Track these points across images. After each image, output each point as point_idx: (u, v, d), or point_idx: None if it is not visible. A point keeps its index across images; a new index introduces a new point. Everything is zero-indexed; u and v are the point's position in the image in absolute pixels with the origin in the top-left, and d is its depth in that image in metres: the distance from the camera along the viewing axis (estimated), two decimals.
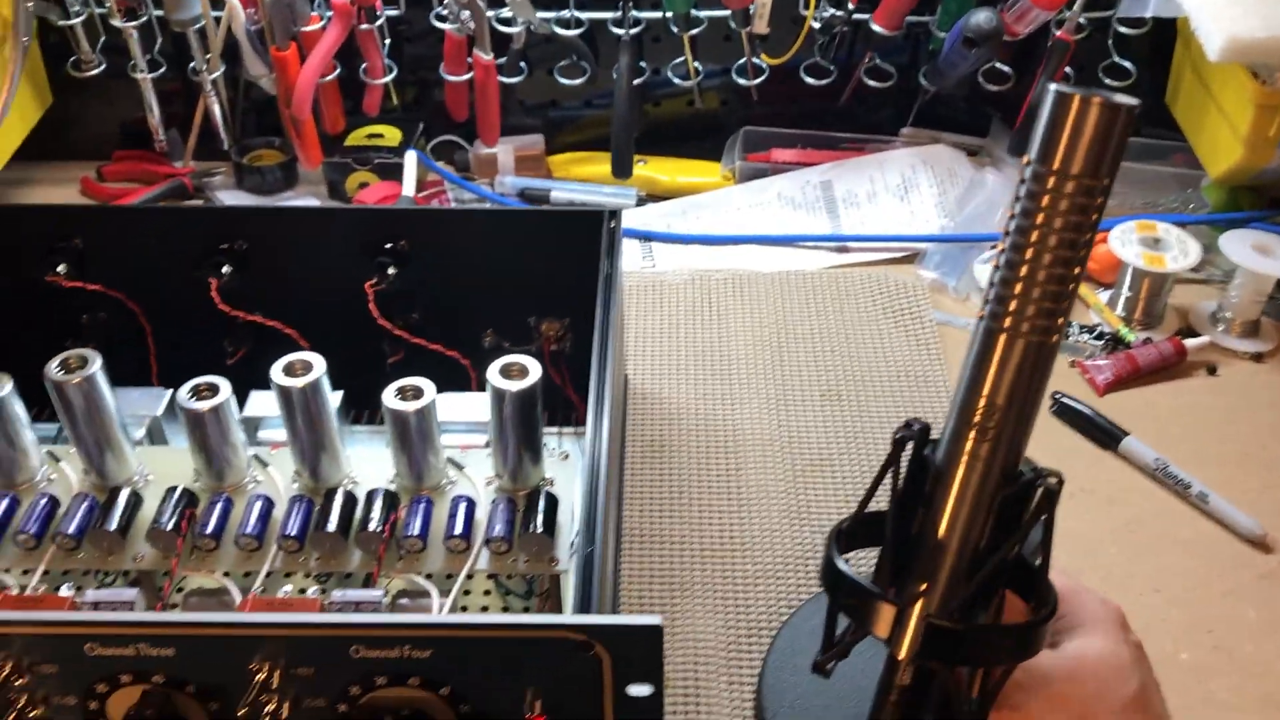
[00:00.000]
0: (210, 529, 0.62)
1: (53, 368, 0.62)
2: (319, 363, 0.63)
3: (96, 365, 0.63)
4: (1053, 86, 0.41)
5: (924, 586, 0.49)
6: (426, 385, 0.64)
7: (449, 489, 0.66)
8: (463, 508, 0.64)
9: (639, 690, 0.51)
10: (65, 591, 0.59)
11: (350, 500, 0.64)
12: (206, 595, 0.64)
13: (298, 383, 0.62)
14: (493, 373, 0.63)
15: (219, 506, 0.64)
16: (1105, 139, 0.41)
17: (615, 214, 0.75)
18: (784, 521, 0.75)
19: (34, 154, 1.04)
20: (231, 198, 1.06)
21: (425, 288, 0.77)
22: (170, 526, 0.62)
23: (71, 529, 0.62)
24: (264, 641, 0.49)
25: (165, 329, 0.78)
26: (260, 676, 0.49)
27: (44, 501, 0.64)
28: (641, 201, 1.07)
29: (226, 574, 0.63)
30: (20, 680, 0.50)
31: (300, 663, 0.50)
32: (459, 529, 0.63)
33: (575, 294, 0.76)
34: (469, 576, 0.63)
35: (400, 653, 0.49)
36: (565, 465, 0.67)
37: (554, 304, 0.78)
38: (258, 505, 0.64)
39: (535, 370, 0.63)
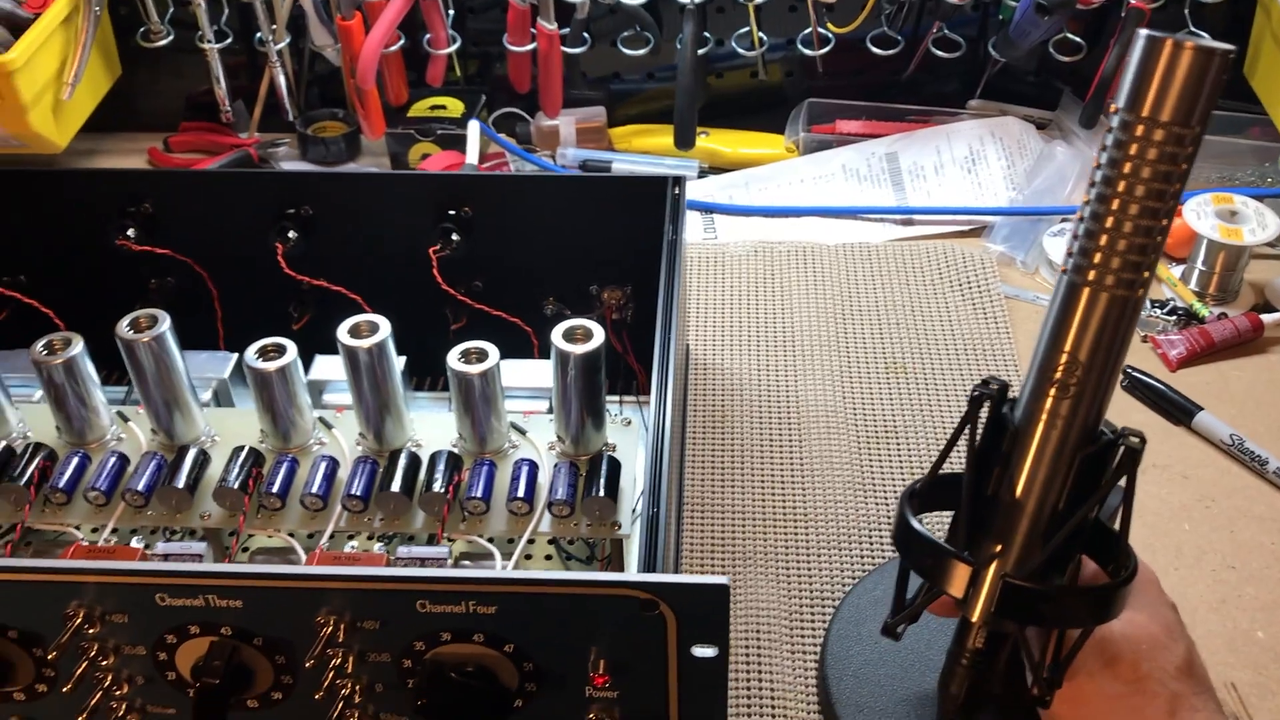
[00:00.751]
0: (276, 488, 0.63)
1: (123, 327, 0.63)
2: (385, 325, 0.63)
3: (165, 325, 0.63)
4: (1143, 32, 0.40)
5: (999, 547, 0.48)
6: (490, 349, 0.63)
7: (511, 453, 0.66)
8: (525, 470, 0.64)
9: (704, 651, 0.50)
10: (136, 544, 0.59)
11: (414, 462, 0.64)
12: (272, 554, 0.65)
13: (364, 344, 0.62)
14: (557, 336, 0.62)
15: (285, 466, 0.64)
16: (1197, 85, 0.39)
17: (679, 180, 0.74)
18: (848, 493, 0.74)
19: (102, 125, 1.06)
20: (295, 168, 1.07)
21: (488, 255, 0.77)
22: (237, 485, 0.63)
23: (140, 486, 0.63)
24: (331, 594, 0.49)
25: (231, 293, 0.79)
26: (326, 630, 0.50)
27: (114, 460, 0.65)
28: (703, 173, 1.06)
29: (291, 534, 0.64)
30: (92, 629, 0.51)
31: (366, 616, 0.50)
32: (522, 491, 0.63)
33: (637, 262, 0.76)
34: (530, 540, 0.62)
35: (465, 608, 0.49)
36: (627, 431, 0.67)
37: (616, 272, 0.77)
38: (323, 465, 0.64)
39: (599, 334, 0.62)
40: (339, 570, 0.49)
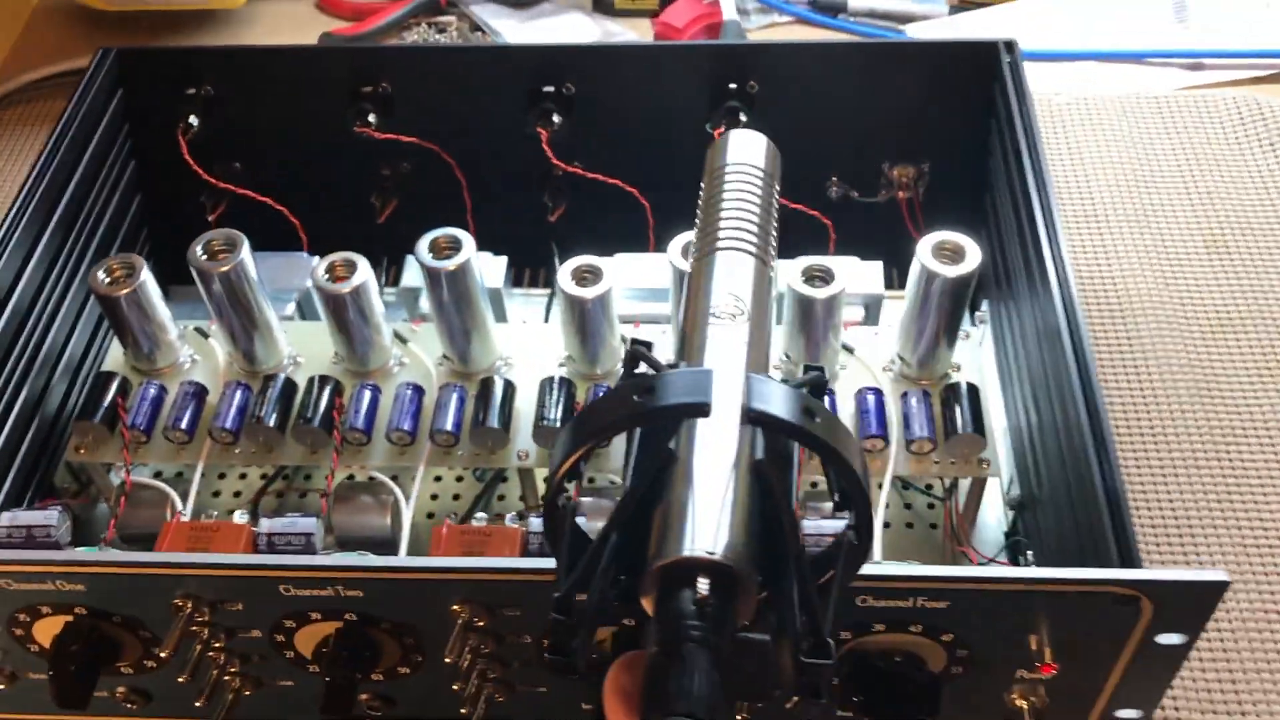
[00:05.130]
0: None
1: (423, 250, 0.56)
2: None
3: (471, 248, 0.56)
4: None
5: None
6: (836, 267, 0.55)
7: (842, 374, 0.59)
8: (872, 400, 0.57)
9: (1170, 639, 0.44)
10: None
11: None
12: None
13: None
14: (925, 251, 0.54)
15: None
16: None
17: (1011, 45, 0.64)
18: (1194, 400, 0.66)
19: None
20: (485, 11, 0.97)
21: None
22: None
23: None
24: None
25: (479, 183, 0.71)
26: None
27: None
28: (953, 10, 0.94)
29: None
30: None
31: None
32: (873, 427, 0.56)
33: (935, 136, 0.67)
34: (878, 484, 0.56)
35: (911, 604, 0.43)
36: (965, 346, 0.59)
37: (910, 148, 0.69)
38: None
39: (974, 251, 0.54)
40: None
